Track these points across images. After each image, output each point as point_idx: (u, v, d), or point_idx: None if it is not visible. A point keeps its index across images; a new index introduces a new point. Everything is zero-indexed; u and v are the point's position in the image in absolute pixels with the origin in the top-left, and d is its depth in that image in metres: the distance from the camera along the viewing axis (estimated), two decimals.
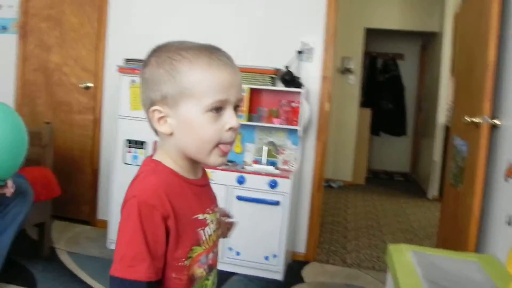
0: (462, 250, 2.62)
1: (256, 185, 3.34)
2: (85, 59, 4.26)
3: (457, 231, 2.92)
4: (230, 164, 3.60)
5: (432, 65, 7.66)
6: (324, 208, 4.00)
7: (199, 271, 1.12)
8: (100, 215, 4.23)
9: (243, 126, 3.73)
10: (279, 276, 3.39)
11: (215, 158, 1.10)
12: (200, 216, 1.13)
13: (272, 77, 3.57)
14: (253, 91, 3.60)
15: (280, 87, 3.61)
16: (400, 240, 4.63)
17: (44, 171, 3.40)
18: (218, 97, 1.07)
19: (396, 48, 8.77)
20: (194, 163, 1.15)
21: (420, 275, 2.07)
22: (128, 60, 3.60)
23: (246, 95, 3.53)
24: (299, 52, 3.66)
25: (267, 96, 3.68)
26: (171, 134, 1.09)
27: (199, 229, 1.12)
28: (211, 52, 1.16)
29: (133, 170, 3.50)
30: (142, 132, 3.54)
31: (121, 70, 3.58)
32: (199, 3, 3.94)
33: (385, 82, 8.72)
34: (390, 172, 9.02)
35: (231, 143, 1.11)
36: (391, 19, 7.34)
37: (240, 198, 3.36)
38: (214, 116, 1.07)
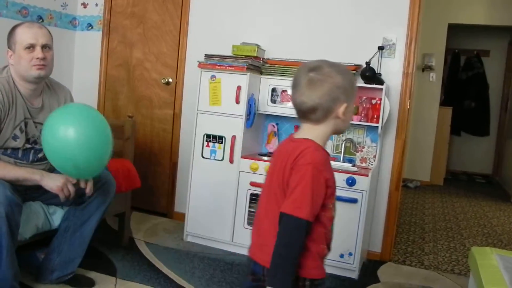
0: None
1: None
2: (166, 55, 4.36)
3: None
4: None
5: None
6: (401, 208, 3.90)
7: (334, 213, 1.65)
8: (178, 208, 4.32)
9: None
10: (354, 274, 3.34)
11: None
12: (334, 180, 1.62)
13: (352, 73, 3.52)
14: None
15: (361, 83, 3.54)
16: (482, 244, 4.44)
17: (125, 163, 3.51)
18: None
19: (481, 45, 8.44)
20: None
21: (507, 281, 1.96)
22: (208, 56, 3.65)
23: None
24: (381, 48, 3.57)
25: None
26: (344, 119, 1.60)
27: (335, 186, 1.62)
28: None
29: (211, 164, 3.57)
30: (221, 127, 3.58)
31: (201, 65, 3.63)
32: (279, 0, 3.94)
33: (468, 80, 8.40)
34: (470, 173, 8.70)
35: None
36: (477, 14, 7.05)
37: None
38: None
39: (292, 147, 1.58)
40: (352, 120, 1.61)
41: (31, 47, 2.51)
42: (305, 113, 1.59)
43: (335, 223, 1.67)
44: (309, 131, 1.62)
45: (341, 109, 1.56)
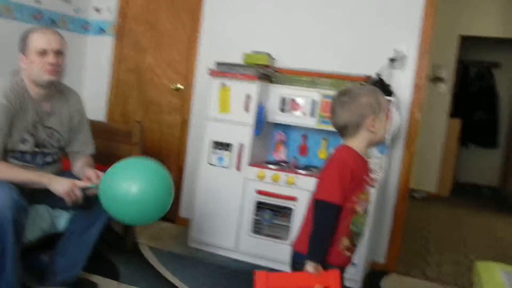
0: None
1: None
2: (177, 62, 4.39)
3: None
4: (315, 169, 3.57)
5: None
6: (406, 218, 3.90)
7: (359, 209, 1.89)
8: (183, 213, 4.33)
9: (329, 132, 3.70)
10: (357, 285, 3.33)
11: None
12: (366, 177, 1.93)
13: (362, 84, 3.51)
14: None
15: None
16: (487, 258, 4.40)
17: None
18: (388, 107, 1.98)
19: (492, 57, 8.39)
20: (367, 149, 1.97)
21: None
22: (219, 63, 3.66)
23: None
24: (392, 60, 3.57)
25: None
26: (373, 132, 1.90)
27: (364, 184, 1.92)
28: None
29: (218, 171, 3.57)
30: (229, 134, 3.59)
31: (212, 73, 3.64)
32: (292, 9, 3.94)
33: (478, 92, 8.36)
34: (478, 185, 8.64)
35: None
36: (488, 26, 7.02)
37: None
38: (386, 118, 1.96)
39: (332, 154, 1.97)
40: (387, 132, 2.03)
41: (43, 52, 2.53)
42: (340, 131, 1.96)
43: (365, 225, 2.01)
44: (349, 143, 1.95)
45: (368, 122, 1.89)
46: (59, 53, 2.58)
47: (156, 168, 2.45)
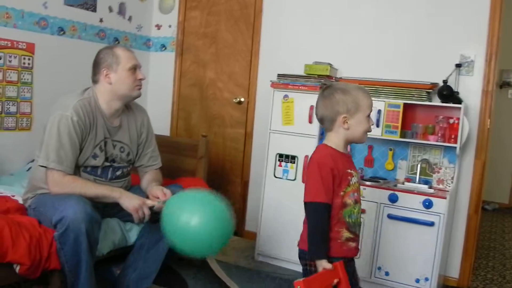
0: None
1: (409, 204, 3.20)
2: (238, 75, 4.42)
3: None
4: (382, 181, 3.49)
5: None
6: (479, 232, 3.75)
7: (349, 201, 2.02)
8: (248, 227, 4.33)
9: (395, 142, 3.61)
10: None
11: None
12: (349, 170, 2.04)
13: (428, 92, 3.42)
14: (407, 107, 3.45)
15: (437, 102, 3.44)
16: None
17: (199, 181, 3.54)
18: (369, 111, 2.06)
19: None
20: (347, 145, 2.10)
21: None
22: (280, 75, 3.66)
23: (400, 111, 3.40)
24: (458, 66, 3.46)
25: (422, 112, 3.53)
26: (347, 129, 2.02)
27: (349, 177, 2.03)
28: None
29: (284, 184, 3.55)
30: (293, 147, 3.57)
31: (274, 85, 3.64)
32: (351, 17, 3.90)
33: None
34: None
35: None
36: None
37: (391, 216, 3.24)
38: (368, 120, 2.05)
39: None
40: (368, 131, 2.08)
41: (134, 68, 2.65)
42: (320, 123, 2.14)
43: (360, 216, 2.13)
44: (327, 138, 2.11)
45: (340, 119, 2.01)
46: (141, 69, 2.70)
47: (218, 206, 2.38)
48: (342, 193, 1.99)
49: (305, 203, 2.00)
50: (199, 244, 2.30)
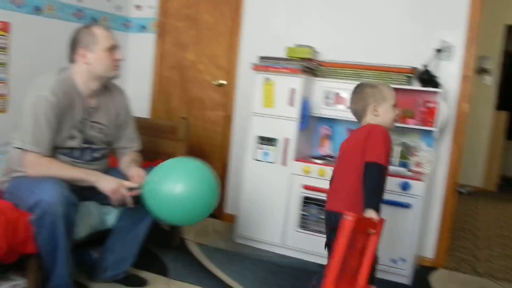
0: None
1: (387, 186, 3.22)
2: (219, 57, 4.38)
3: None
4: None
5: None
6: (454, 214, 3.83)
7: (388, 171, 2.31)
8: (228, 210, 4.33)
9: None
10: (406, 280, 3.28)
11: None
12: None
13: (408, 76, 3.44)
14: None
15: (416, 86, 3.47)
16: None
17: None
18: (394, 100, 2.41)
19: None
20: None
21: None
22: (262, 57, 3.64)
23: None
24: (438, 51, 3.48)
25: (402, 96, 3.53)
26: (377, 115, 2.37)
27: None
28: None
29: (264, 167, 3.55)
30: (274, 129, 3.57)
31: (256, 67, 3.62)
32: (334, 1, 3.89)
33: None
34: None
35: None
36: None
37: None
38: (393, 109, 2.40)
39: (361, 130, 2.36)
40: (395, 121, 2.43)
41: (112, 48, 2.60)
42: (354, 115, 2.48)
43: None
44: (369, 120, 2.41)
45: (371, 108, 2.37)
46: (119, 49, 2.67)
47: (200, 168, 2.47)
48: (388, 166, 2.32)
49: (369, 163, 2.21)
50: (185, 210, 2.36)
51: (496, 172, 7.32)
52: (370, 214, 2.13)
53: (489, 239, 4.65)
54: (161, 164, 2.52)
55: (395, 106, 2.40)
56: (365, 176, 2.23)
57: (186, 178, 2.40)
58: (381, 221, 2.14)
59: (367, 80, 2.70)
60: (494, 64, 6.95)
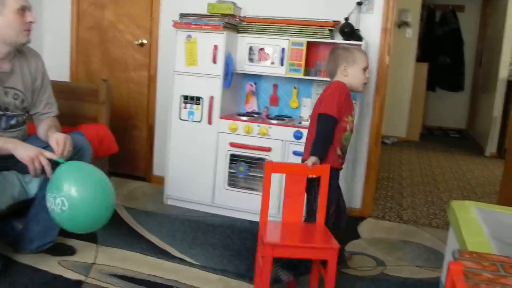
0: None
1: None
2: (140, 16, 4.23)
3: None
4: (287, 119, 3.54)
5: (495, 17, 7.31)
6: (379, 164, 3.95)
7: (348, 127, 2.54)
8: (156, 171, 4.28)
9: (299, 80, 3.66)
10: None
11: None
12: (353, 105, 2.62)
13: (330, 30, 3.45)
14: (310, 45, 3.49)
15: (339, 40, 3.50)
16: (458, 198, 4.51)
17: (101, 128, 3.43)
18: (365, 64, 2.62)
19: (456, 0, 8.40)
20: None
21: (486, 233, 1.98)
22: (183, 15, 3.55)
23: (303, 49, 3.42)
24: (359, 4, 3.51)
25: (325, 50, 3.57)
26: (347, 76, 2.58)
27: (352, 110, 2.58)
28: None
29: (190, 126, 3.51)
30: (198, 88, 3.52)
31: (176, 25, 3.53)
32: None
33: (443, 36, 8.40)
34: (445, 128, 8.79)
35: None
36: None
37: (296, 153, 3.31)
38: (364, 72, 2.61)
39: (326, 88, 2.59)
40: (365, 84, 2.65)
41: (23, 9, 2.42)
42: (328, 74, 2.70)
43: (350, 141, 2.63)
44: (337, 78, 2.62)
45: (341, 68, 2.58)
46: (31, 10, 2.48)
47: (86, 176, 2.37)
48: (345, 119, 2.52)
49: (319, 114, 2.48)
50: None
51: (418, 122, 7.59)
52: (310, 160, 2.38)
53: (413, 187, 4.85)
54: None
55: (365, 69, 2.59)
56: (317, 126, 2.49)
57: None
58: (326, 166, 2.39)
59: (341, 43, 3.12)
60: (414, 17, 7.11)
